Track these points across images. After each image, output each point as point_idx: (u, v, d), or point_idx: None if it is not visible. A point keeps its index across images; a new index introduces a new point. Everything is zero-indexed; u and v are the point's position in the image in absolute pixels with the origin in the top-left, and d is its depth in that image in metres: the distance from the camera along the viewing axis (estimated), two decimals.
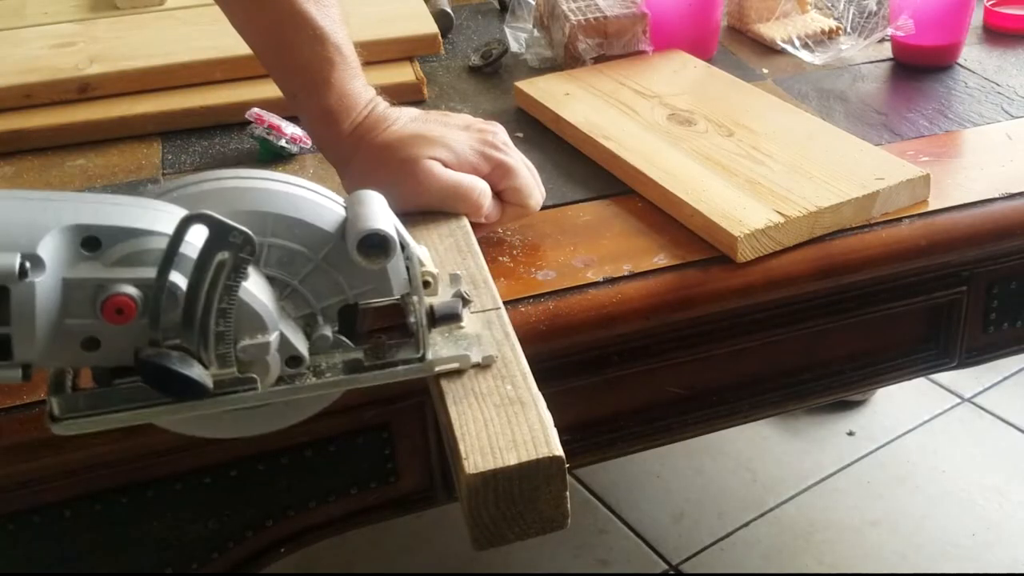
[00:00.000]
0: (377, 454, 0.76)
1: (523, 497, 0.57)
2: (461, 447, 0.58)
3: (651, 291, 0.76)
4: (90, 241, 0.53)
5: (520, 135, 0.96)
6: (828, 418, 1.87)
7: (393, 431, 0.76)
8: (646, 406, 0.83)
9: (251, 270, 0.56)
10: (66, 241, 0.52)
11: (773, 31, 1.14)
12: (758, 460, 1.80)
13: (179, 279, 0.53)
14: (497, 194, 0.78)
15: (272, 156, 0.94)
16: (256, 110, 0.94)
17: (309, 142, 0.94)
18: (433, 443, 0.78)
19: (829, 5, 1.18)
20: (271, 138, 0.93)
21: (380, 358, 0.61)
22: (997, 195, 0.85)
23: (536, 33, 1.12)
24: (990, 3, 1.17)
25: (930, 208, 0.84)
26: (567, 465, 0.58)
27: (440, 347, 0.62)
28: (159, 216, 0.54)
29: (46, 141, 0.98)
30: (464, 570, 1.59)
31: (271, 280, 0.59)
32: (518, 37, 1.13)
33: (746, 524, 1.68)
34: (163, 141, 0.99)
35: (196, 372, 0.55)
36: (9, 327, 0.51)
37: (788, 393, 0.88)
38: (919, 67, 1.08)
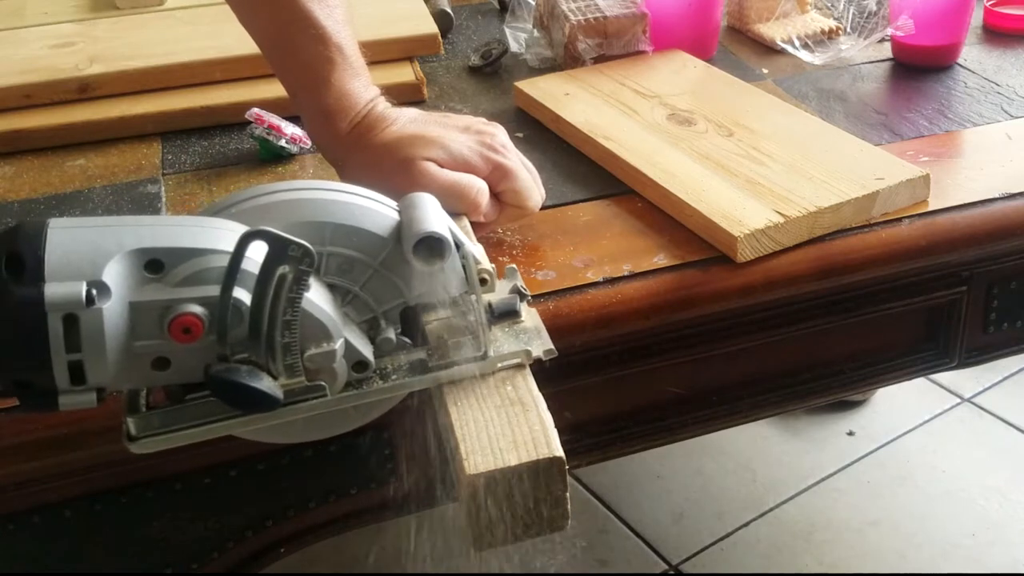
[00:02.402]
0: (377, 454, 0.76)
1: (523, 498, 0.57)
2: (462, 447, 0.58)
3: (651, 291, 0.76)
4: (153, 264, 0.54)
5: (520, 135, 0.96)
6: (828, 418, 1.87)
7: (393, 431, 0.76)
8: (646, 406, 0.84)
9: (312, 280, 0.57)
10: (130, 265, 0.53)
11: (773, 31, 1.14)
12: (758, 460, 1.80)
13: (243, 295, 0.54)
14: (496, 196, 0.78)
15: (272, 156, 0.94)
16: (256, 110, 0.94)
17: (309, 142, 0.94)
18: (433, 443, 0.77)
19: (829, 5, 1.18)
20: (271, 138, 0.93)
21: (443, 357, 0.62)
22: (997, 195, 0.85)
23: (536, 33, 1.12)
24: (990, 3, 1.17)
25: (930, 208, 0.84)
26: (567, 466, 0.58)
27: (501, 342, 0.64)
28: (219, 234, 0.56)
29: (46, 141, 0.98)
30: (464, 570, 1.59)
31: (332, 287, 0.60)
32: (518, 37, 1.13)
33: (746, 524, 1.68)
34: (163, 141, 0.99)
35: (266, 384, 0.56)
36: (81, 353, 0.52)
37: (788, 393, 0.87)
38: (919, 67, 1.08)
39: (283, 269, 0.54)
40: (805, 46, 1.11)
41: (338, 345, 0.58)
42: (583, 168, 0.91)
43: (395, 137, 0.76)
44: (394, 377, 0.62)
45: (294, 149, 0.94)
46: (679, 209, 0.82)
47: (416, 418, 0.73)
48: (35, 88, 0.99)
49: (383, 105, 0.79)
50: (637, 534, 1.67)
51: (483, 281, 0.63)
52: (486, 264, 0.64)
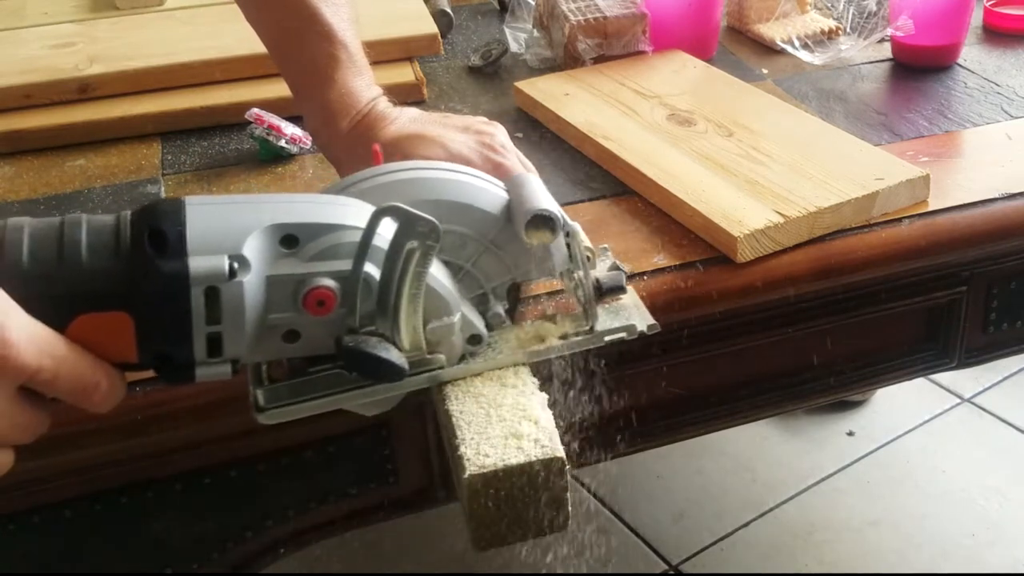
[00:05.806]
0: (376, 454, 0.76)
1: (523, 497, 0.57)
2: (462, 447, 0.58)
3: (651, 291, 0.76)
4: (289, 239, 0.55)
5: (520, 135, 0.96)
6: (828, 418, 1.87)
7: (392, 430, 0.76)
8: (646, 406, 0.83)
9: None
10: (267, 240, 0.55)
11: (773, 31, 1.14)
12: (758, 460, 1.80)
13: (371, 269, 0.56)
14: None
15: (272, 156, 0.94)
16: (256, 110, 0.94)
17: (309, 142, 0.94)
18: (433, 443, 0.77)
19: (829, 5, 1.18)
20: (271, 138, 0.93)
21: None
22: (997, 195, 0.85)
23: (536, 33, 1.12)
24: (990, 3, 1.17)
25: (930, 208, 0.84)
26: (567, 466, 0.58)
27: (603, 319, 0.66)
28: (348, 211, 0.57)
29: (46, 141, 0.98)
30: (464, 570, 1.59)
31: (446, 264, 0.62)
32: (518, 37, 1.13)
33: (746, 524, 1.68)
34: (163, 141, 0.99)
35: (394, 355, 0.58)
36: (220, 325, 0.53)
37: (788, 393, 0.87)
38: (919, 67, 1.08)
39: (411, 244, 0.56)
40: (805, 46, 1.11)
41: (456, 319, 0.60)
42: (583, 168, 0.91)
43: (395, 136, 0.76)
44: (504, 351, 0.63)
45: (294, 149, 0.94)
46: (679, 209, 0.82)
47: (416, 418, 0.73)
48: (35, 88, 0.99)
49: (384, 104, 0.79)
50: (637, 534, 1.67)
51: (587, 259, 0.65)
52: (587, 242, 0.66)
